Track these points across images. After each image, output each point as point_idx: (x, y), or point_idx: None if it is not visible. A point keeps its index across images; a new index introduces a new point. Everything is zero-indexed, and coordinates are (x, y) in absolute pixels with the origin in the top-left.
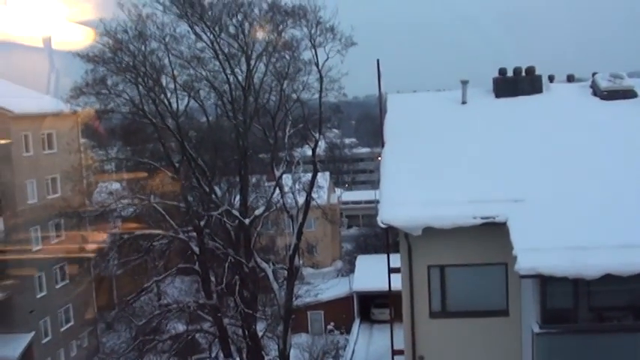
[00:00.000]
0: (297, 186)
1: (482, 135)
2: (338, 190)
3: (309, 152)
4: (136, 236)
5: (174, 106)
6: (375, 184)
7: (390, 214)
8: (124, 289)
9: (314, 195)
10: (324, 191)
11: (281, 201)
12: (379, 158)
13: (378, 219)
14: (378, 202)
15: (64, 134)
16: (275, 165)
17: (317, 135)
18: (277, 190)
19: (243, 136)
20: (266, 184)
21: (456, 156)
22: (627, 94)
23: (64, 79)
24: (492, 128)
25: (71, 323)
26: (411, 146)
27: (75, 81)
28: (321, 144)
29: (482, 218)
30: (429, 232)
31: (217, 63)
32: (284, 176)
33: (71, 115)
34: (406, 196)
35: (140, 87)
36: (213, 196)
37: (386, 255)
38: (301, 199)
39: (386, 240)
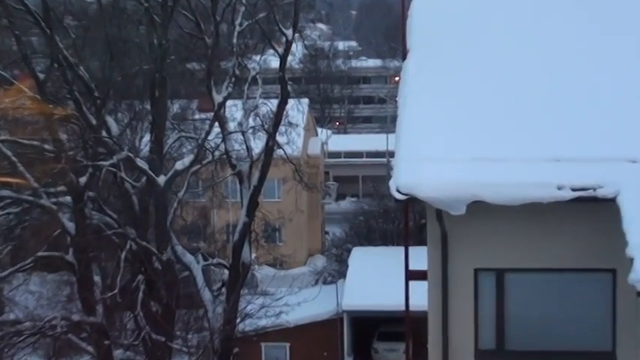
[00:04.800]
0: (251, 121)
1: (572, 46)
2: (323, 132)
3: (275, 63)
4: None
5: None
6: (387, 124)
7: (412, 177)
8: None
9: (280, 138)
10: (300, 132)
11: (222, 147)
12: (397, 78)
13: (392, 184)
14: (392, 155)
15: None
16: (213, 84)
17: (289, 33)
18: (216, 127)
19: (161, 30)
20: (197, 115)
21: (526, 79)
22: None
23: None
24: (588, 35)
25: None
26: (451, 60)
27: None
28: (297, 49)
29: (573, 190)
30: (479, 210)
31: None
32: (228, 103)
33: None
34: (441, 146)
35: None
36: (104, 133)
37: (403, 248)
38: (258, 146)
39: (404, 222)
